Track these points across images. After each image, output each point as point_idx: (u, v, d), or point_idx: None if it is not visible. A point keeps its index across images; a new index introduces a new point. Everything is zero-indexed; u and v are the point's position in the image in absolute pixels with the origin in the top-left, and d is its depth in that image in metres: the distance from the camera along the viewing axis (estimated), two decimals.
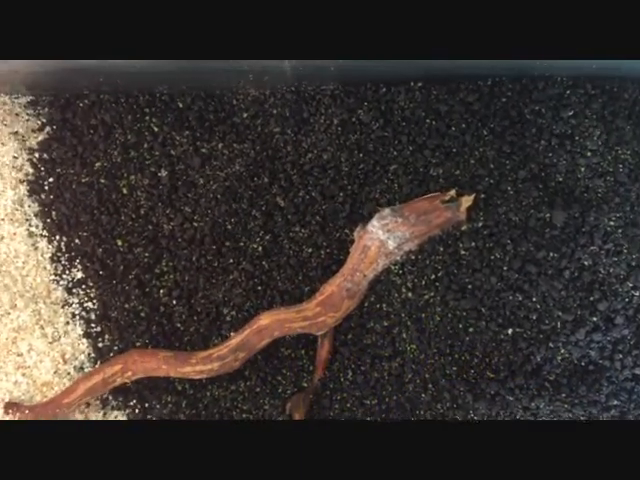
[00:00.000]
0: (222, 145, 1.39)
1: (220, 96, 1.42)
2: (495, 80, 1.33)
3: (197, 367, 1.30)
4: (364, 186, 1.37)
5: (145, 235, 1.41)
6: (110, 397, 1.41)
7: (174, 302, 1.41)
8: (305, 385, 1.41)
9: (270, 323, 1.29)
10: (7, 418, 1.34)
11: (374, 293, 1.33)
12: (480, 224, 1.28)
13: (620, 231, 1.27)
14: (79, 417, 1.39)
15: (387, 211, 1.28)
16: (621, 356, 1.29)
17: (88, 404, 1.40)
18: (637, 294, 1.28)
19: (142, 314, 1.41)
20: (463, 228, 1.28)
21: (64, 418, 1.35)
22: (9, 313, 1.38)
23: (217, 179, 1.38)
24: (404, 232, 1.27)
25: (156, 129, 1.39)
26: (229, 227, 1.39)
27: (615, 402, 1.30)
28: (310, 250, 1.39)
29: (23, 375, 1.38)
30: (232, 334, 1.34)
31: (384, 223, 1.28)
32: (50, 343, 1.39)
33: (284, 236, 1.40)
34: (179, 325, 1.42)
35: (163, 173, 1.39)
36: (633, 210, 1.28)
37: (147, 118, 1.39)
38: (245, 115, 1.41)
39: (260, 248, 1.40)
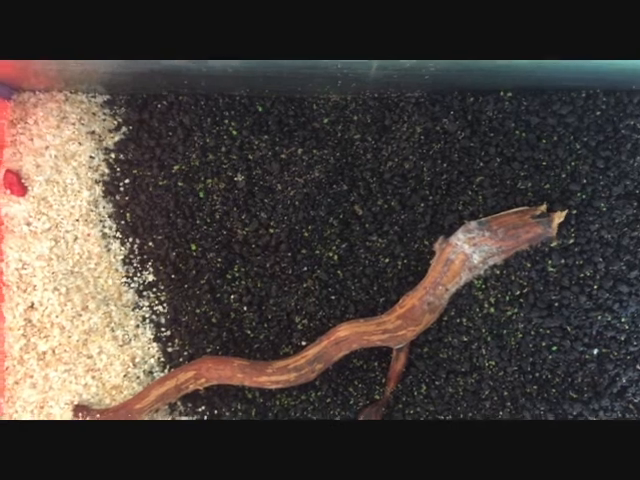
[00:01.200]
0: (301, 151, 1.36)
1: (300, 100, 1.39)
2: (589, 92, 1.29)
3: (273, 377, 1.27)
4: (446, 197, 1.34)
5: (219, 240, 1.38)
6: (179, 402, 1.39)
7: (245, 308, 1.39)
8: (377, 397, 1.38)
9: (349, 335, 1.27)
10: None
11: (454, 307, 1.30)
12: (571, 241, 1.24)
13: None
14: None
15: (473, 224, 1.25)
16: None
17: (157, 409, 1.38)
18: None
19: (213, 319, 1.39)
20: (553, 244, 1.24)
21: None
22: (80, 315, 1.36)
23: (295, 185, 1.36)
24: (491, 246, 1.24)
25: (235, 132, 1.37)
26: (305, 234, 1.36)
27: None
28: (387, 260, 1.36)
29: (93, 378, 1.36)
30: (308, 345, 1.31)
31: (470, 237, 1.24)
32: (120, 346, 1.37)
33: (360, 245, 1.37)
34: (249, 332, 1.39)
35: (240, 178, 1.37)
36: None
37: (226, 121, 1.37)
38: (325, 120, 1.38)
39: (336, 257, 1.37)
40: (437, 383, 1.35)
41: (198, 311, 1.39)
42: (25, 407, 1.35)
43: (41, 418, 1.34)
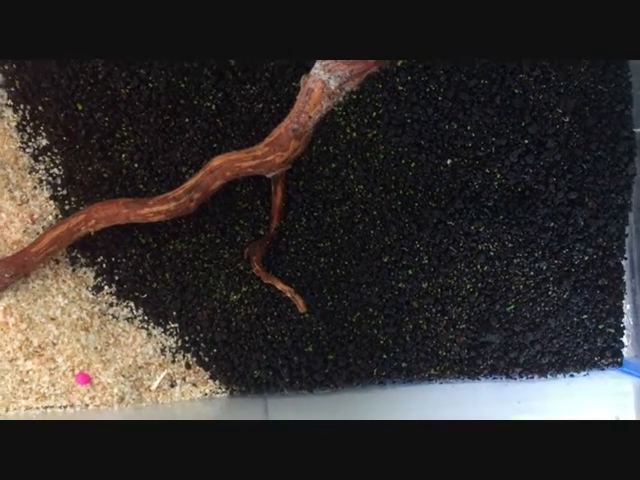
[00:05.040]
0: None
1: None
2: None
3: (154, 208, 1.37)
4: None
5: (104, 100, 1.48)
6: (79, 255, 1.49)
7: (136, 165, 1.49)
8: (262, 233, 1.48)
9: (222, 163, 1.36)
10: None
11: (321, 136, 1.41)
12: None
13: (547, 58, 1.35)
14: (49, 273, 1.46)
15: None
16: (555, 180, 1.37)
17: (57, 261, 1.48)
18: (567, 120, 1.36)
19: (105, 175, 1.48)
20: (399, 63, 1.35)
21: (33, 270, 1.43)
22: None
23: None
24: (344, 71, 1.34)
25: None
26: (182, 86, 1.46)
27: (552, 224, 1.38)
28: (261, 106, 1.47)
29: None
30: None
31: (325, 64, 1.34)
32: (19, 205, 1.46)
33: (236, 94, 1.47)
34: (141, 187, 1.49)
35: None
36: None
37: None
38: None
39: (213, 106, 1.47)
40: (315, 214, 1.46)
41: (90, 169, 1.49)
42: None
43: None
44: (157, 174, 1.49)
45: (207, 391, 1.48)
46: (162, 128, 1.48)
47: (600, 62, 1.37)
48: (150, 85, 1.47)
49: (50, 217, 1.48)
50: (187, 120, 1.47)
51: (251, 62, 1.46)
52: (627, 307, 1.47)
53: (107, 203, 1.40)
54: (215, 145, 1.48)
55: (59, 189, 1.49)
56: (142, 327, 1.48)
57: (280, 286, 1.36)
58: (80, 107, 1.48)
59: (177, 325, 1.48)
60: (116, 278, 1.49)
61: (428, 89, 1.35)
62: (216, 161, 1.37)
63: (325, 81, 1.35)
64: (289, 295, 1.35)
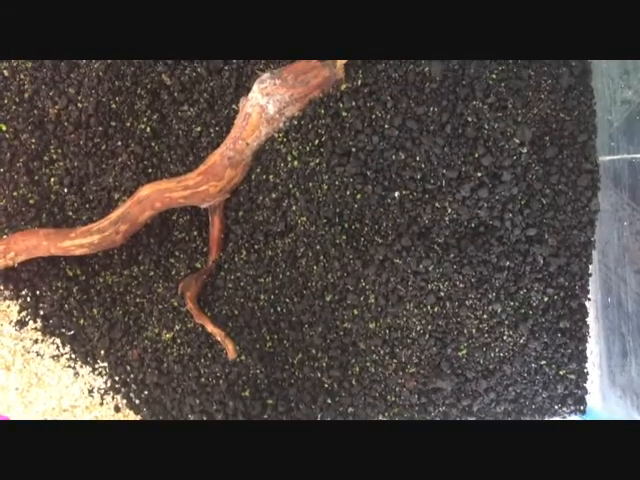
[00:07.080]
0: None
1: None
2: None
3: (77, 241, 1.26)
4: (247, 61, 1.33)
5: (31, 120, 1.37)
6: (1, 287, 1.38)
7: (65, 190, 1.39)
8: (199, 266, 1.38)
9: (150, 193, 1.26)
10: None
11: (260, 165, 1.30)
12: (359, 82, 1.24)
13: (503, 84, 1.24)
14: None
15: (266, 75, 1.25)
16: (511, 215, 1.26)
17: None
18: (524, 151, 1.25)
19: (31, 201, 1.38)
20: (342, 87, 1.25)
21: None
22: None
23: None
24: (283, 95, 1.24)
25: None
26: (114, 106, 1.36)
27: (508, 263, 1.27)
28: (199, 129, 1.36)
29: None
30: None
31: (263, 87, 1.24)
32: None
33: (172, 116, 1.37)
34: (71, 214, 1.39)
35: None
36: (516, 62, 1.25)
37: None
38: None
39: (148, 129, 1.37)
40: (256, 247, 1.35)
41: (16, 194, 1.38)
42: None
43: None
44: (88, 200, 1.39)
45: None
46: (93, 151, 1.38)
47: (562, 88, 1.26)
48: (79, 105, 1.36)
49: None
50: (120, 143, 1.37)
51: (189, 81, 1.35)
52: (591, 352, 1.36)
53: (27, 233, 1.29)
54: (150, 170, 1.37)
55: None
56: (68, 366, 1.38)
57: (210, 328, 1.25)
58: (4, 128, 1.37)
59: (106, 364, 1.37)
60: (41, 313, 1.38)
61: (374, 116, 1.24)
62: (144, 190, 1.27)
63: (264, 105, 1.25)
64: (219, 339, 1.24)
